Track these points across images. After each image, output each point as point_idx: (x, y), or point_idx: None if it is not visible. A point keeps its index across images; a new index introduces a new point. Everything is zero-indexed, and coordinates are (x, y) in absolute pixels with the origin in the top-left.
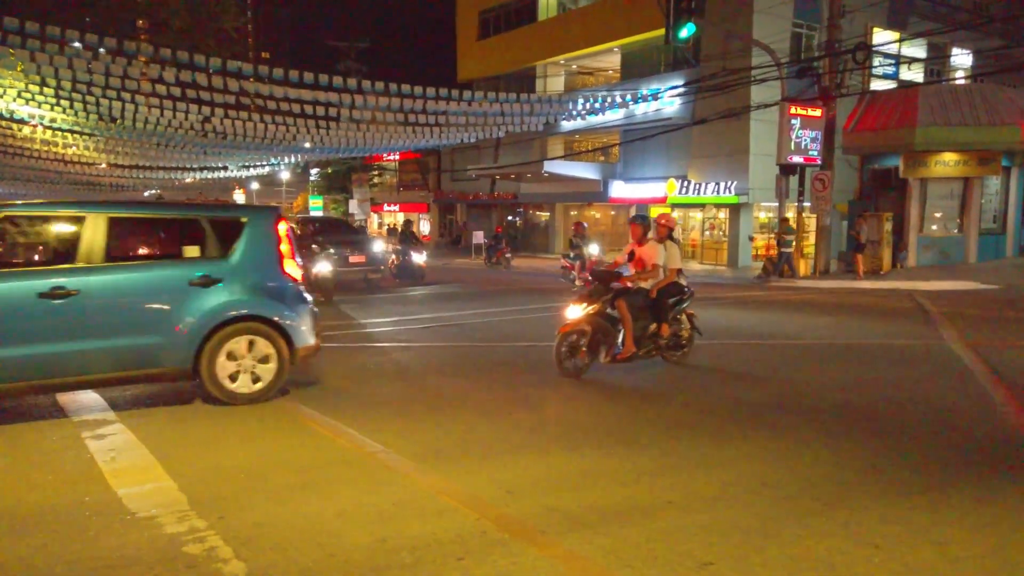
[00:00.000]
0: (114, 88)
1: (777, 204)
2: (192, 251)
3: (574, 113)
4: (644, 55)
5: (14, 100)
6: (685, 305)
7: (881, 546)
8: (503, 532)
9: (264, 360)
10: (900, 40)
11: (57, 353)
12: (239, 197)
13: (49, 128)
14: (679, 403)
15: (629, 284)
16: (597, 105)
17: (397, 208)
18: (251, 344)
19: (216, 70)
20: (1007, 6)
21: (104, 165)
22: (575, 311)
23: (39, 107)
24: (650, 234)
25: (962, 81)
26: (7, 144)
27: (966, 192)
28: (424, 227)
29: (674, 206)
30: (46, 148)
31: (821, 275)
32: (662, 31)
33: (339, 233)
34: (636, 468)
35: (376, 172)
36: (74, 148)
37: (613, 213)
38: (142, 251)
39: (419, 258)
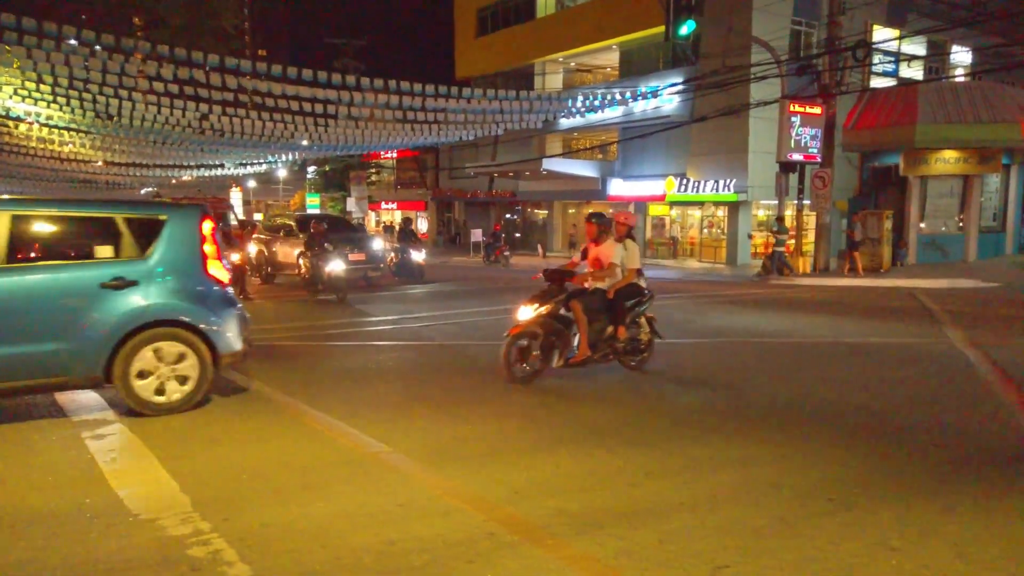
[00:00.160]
0: (111, 85)
1: (777, 202)
2: (105, 251)
3: (573, 111)
4: (643, 52)
5: (10, 97)
6: (644, 308)
7: (899, 548)
8: (512, 534)
9: (185, 368)
10: (900, 37)
11: None
12: (236, 195)
13: (45, 125)
14: (682, 404)
15: (586, 284)
16: (596, 103)
17: (395, 206)
18: (171, 351)
19: (214, 67)
20: (1006, 3)
21: (100, 163)
22: (526, 312)
23: (35, 104)
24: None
25: (962, 79)
26: (3, 142)
27: (966, 190)
28: (422, 225)
29: (673, 204)
30: (42, 146)
31: (821, 273)
32: (661, 29)
33: (339, 231)
34: (643, 469)
35: (374, 170)
36: (70, 145)
37: (611, 211)
38: (50, 252)
39: (418, 256)
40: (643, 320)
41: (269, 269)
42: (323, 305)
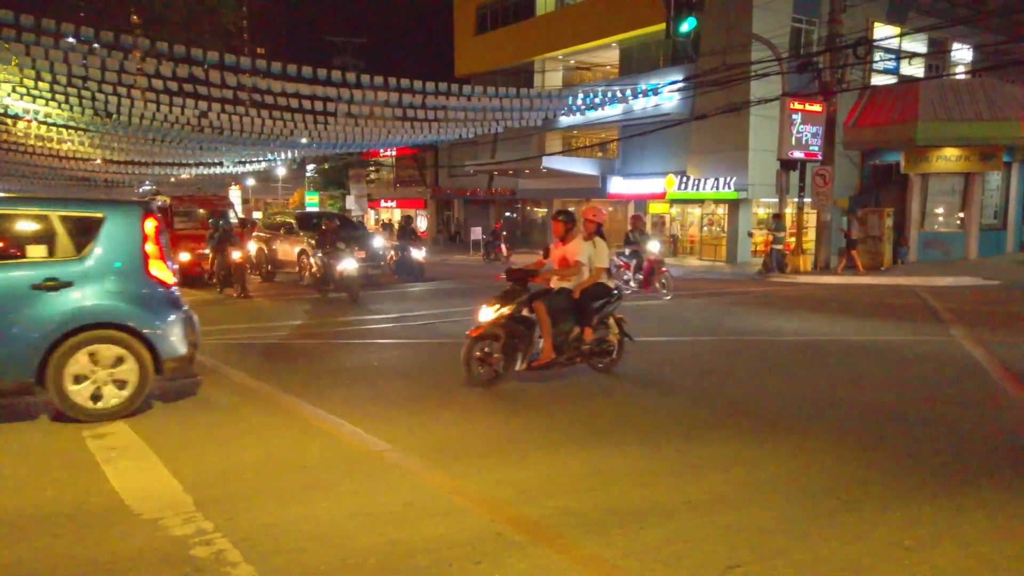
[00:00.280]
0: (110, 83)
1: (777, 200)
2: (38, 251)
3: (573, 108)
4: (643, 50)
5: (8, 95)
6: (612, 308)
7: (911, 548)
8: (519, 534)
9: (123, 372)
10: (900, 35)
11: None
12: (235, 193)
13: (44, 123)
14: (688, 402)
15: (551, 284)
16: (596, 100)
17: (394, 204)
18: (108, 354)
19: (213, 64)
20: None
21: (99, 161)
22: (487, 313)
23: (34, 102)
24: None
25: (963, 76)
26: (1, 140)
27: (967, 187)
28: (421, 223)
29: (673, 202)
30: (41, 144)
31: (821, 271)
32: (661, 26)
33: (340, 229)
34: (650, 468)
35: (373, 168)
36: (69, 144)
37: (611, 209)
38: None
39: (418, 254)
40: (612, 321)
41: (269, 267)
42: (326, 303)
